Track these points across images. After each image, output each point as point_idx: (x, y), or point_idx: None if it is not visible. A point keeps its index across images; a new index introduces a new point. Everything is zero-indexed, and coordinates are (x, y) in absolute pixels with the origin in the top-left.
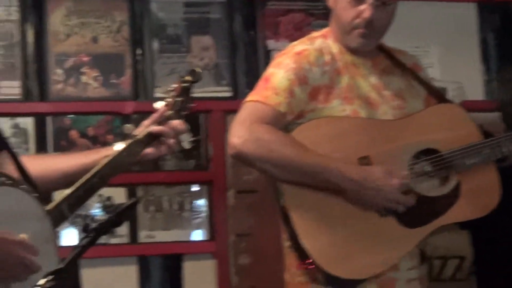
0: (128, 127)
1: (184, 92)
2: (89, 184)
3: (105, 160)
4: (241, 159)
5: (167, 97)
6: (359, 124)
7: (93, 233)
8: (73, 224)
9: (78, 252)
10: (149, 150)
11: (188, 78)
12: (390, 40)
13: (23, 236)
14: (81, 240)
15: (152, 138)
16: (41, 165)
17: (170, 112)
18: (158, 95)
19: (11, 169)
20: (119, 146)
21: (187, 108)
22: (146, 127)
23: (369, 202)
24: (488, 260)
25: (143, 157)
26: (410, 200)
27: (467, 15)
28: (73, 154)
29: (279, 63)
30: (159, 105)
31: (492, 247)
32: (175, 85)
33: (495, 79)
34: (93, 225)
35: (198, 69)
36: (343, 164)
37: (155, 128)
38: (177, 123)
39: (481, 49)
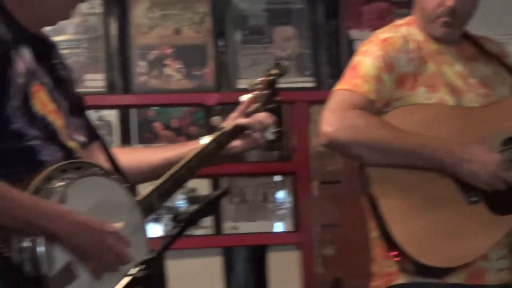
0: (215, 119)
1: (270, 85)
2: (177, 176)
3: (193, 152)
4: (335, 147)
5: (253, 90)
6: (447, 112)
7: (182, 223)
8: (158, 215)
9: (168, 242)
10: (236, 143)
11: (274, 71)
12: (474, 27)
13: (118, 224)
14: (170, 230)
15: (239, 131)
16: (129, 157)
17: (256, 105)
18: (241, 86)
19: (102, 160)
20: (206, 139)
21: (274, 102)
22: (233, 119)
23: (473, 177)
24: None
25: (230, 150)
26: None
27: None
28: (160, 148)
29: (365, 51)
30: (245, 98)
31: None
32: (261, 78)
33: None
34: (183, 215)
35: (284, 62)
36: (445, 140)
37: (242, 120)
38: (263, 116)
39: None
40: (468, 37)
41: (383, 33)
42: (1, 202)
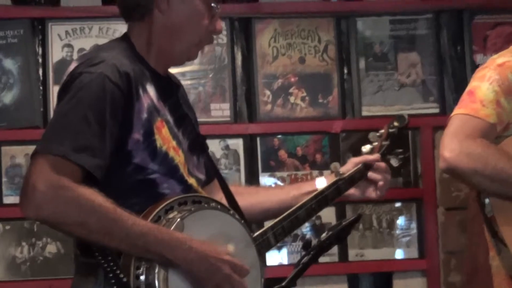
0: (335, 165)
1: (392, 137)
2: (295, 216)
3: (312, 196)
4: (453, 173)
5: (375, 141)
6: None
7: (315, 251)
8: (282, 243)
9: (300, 269)
10: (353, 191)
11: (396, 124)
12: None
13: (231, 248)
14: (302, 257)
15: (357, 179)
16: (244, 199)
17: (377, 155)
18: (365, 113)
19: (221, 197)
20: (321, 181)
21: (396, 155)
22: (353, 166)
23: None
24: None
25: (348, 196)
26: None
27: None
28: (274, 189)
29: (482, 76)
30: (367, 147)
31: None
32: (382, 130)
33: None
34: (315, 243)
35: (405, 115)
36: None
37: (360, 168)
38: (383, 166)
39: None
40: None
41: (499, 58)
42: (122, 229)
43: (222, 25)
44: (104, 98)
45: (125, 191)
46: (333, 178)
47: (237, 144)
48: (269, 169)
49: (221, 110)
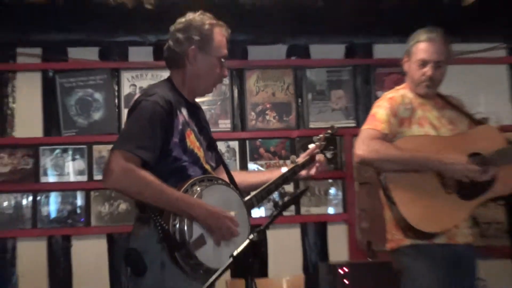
0: (293, 157)
1: (327, 140)
2: (269, 189)
3: (278, 176)
4: (365, 163)
5: (316, 142)
6: (432, 139)
7: (280, 208)
8: (263, 205)
9: (271, 219)
10: (303, 173)
11: (330, 131)
12: (452, 88)
13: (232, 213)
14: (273, 212)
15: (306, 165)
16: (238, 178)
17: (317, 151)
18: (311, 126)
19: (224, 177)
20: (284, 168)
21: (329, 149)
22: (304, 157)
23: (452, 172)
24: None
25: (298, 176)
26: (485, 176)
27: (501, 72)
28: (256, 173)
29: (379, 105)
30: (311, 146)
31: None
32: (323, 136)
33: None
34: (280, 203)
35: (335, 126)
36: (433, 154)
37: (307, 160)
38: (321, 158)
39: (510, 93)
40: (439, 95)
41: (389, 94)
42: (164, 196)
43: (227, 72)
44: (155, 116)
45: (167, 173)
46: (291, 165)
47: (235, 144)
48: (254, 160)
49: (224, 124)
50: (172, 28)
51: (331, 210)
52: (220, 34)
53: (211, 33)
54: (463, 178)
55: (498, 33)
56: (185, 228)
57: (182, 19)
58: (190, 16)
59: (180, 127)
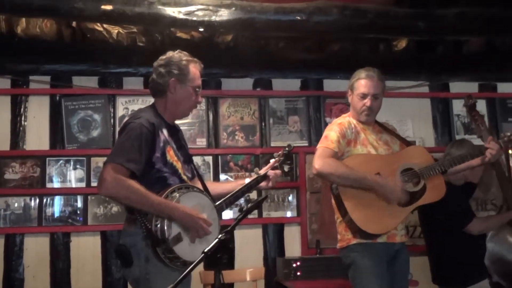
0: (256, 170)
1: (285, 155)
2: (235, 195)
3: (243, 185)
4: (320, 176)
5: (276, 157)
6: (373, 157)
7: (245, 212)
8: (230, 208)
9: (237, 222)
10: (264, 184)
11: (287, 149)
12: (386, 117)
13: (205, 215)
14: (238, 215)
15: (265, 177)
16: (212, 187)
17: (276, 165)
18: (272, 145)
19: (199, 186)
20: (248, 179)
21: (286, 164)
22: (265, 170)
23: (387, 195)
24: (426, 226)
25: (259, 187)
26: (404, 197)
27: (426, 104)
28: (226, 182)
29: (331, 128)
30: (272, 160)
31: (427, 220)
32: (281, 152)
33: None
34: (245, 208)
35: (292, 144)
36: (373, 175)
37: (268, 172)
38: (278, 172)
39: (433, 121)
40: (377, 122)
41: (339, 119)
42: (149, 201)
43: (201, 99)
44: (141, 136)
45: (151, 182)
46: (255, 176)
47: (209, 159)
48: (224, 172)
49: (201, 142)
50: (155, 63)
51: (288, 214)
52: (195, 68)
53: (187, 68)
54: (389, 197)
55: (423, 73)
56: (165, 227)
57: (163, 56)
58: (169, 54)
59: (162, 144)
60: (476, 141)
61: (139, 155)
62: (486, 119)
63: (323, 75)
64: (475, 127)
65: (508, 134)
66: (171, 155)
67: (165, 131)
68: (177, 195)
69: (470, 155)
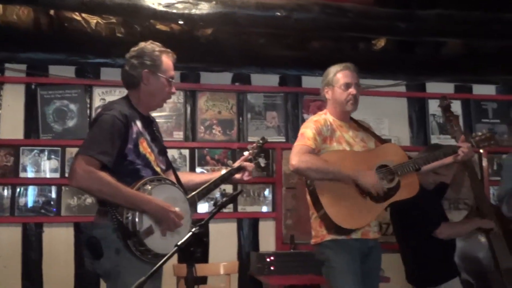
0: (230, 162)
1: (259, 148)
2: (208, 187)
3: (217, 177)
4: (297, 172)
5: (250, 150)
6: (349, 154)
7: (219, 206)
8: (206, 202)
9: (211, 215)
10: (238, 176)
11: (261, 141)
12: (363, 115)
13: (177, 208)
14: (213, 209)
15: (240, 170)
16: (184, 178)
17: (250, 157)
18: (249, 140)
19: (172, 178)
20: (223, 171)
21: (260, 156)
22: (239, 162)
23: (367, 184)
24: (396, 224)
25: (234, 179)
26: (381, 189)
27: (402, 103)
28: (201, 174)
29: (307, 126)
30: (246, 153)
31: (399, 223)
32: (255, 144)
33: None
34: (219, 202)
35: (266, 137)
36: (350, 169)
37: (242, 164)
38: (251, 165)
39: (409, 121)
40: (353, 119)
41: (314, 117)
42: (120, 193)
43: (175, 90)
44: (113, 127)
45: (123, 174)
46: (228, 168)
47: (186, 152)
48: (201, 165)
49: (178, 135)
50: (127, 55)
51: (263, 209)
52: (168, 59)
53: (160, 58)
54: (373, 190)
55: (400, 72)
56: (136, 220)
57: (135, 48)
58: (142, 44)
59: (134, 135)
60: (451, 141)
61: (111, 147)
62: (461, 119)
63: (303, 71)
64: (449, 127)
65: (479, 134)
66: (144, 147)
67: (138, 123)
68: (149, 187)
69: (443, 153)
